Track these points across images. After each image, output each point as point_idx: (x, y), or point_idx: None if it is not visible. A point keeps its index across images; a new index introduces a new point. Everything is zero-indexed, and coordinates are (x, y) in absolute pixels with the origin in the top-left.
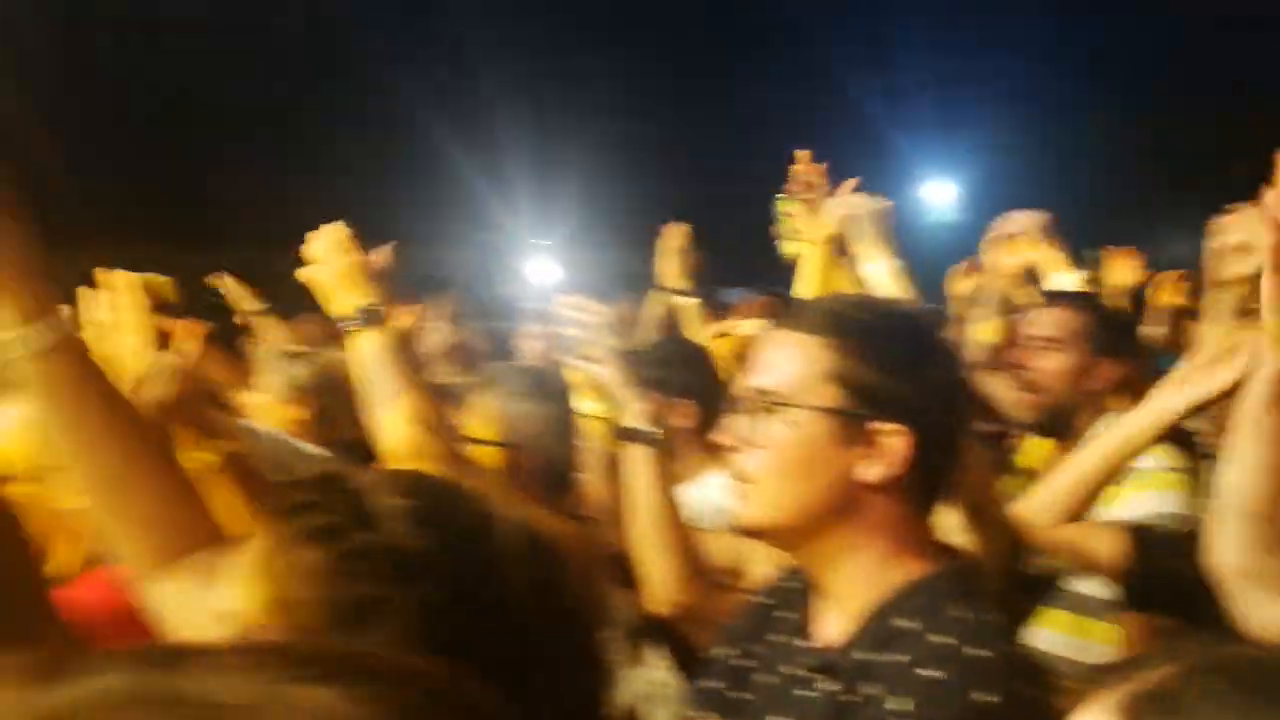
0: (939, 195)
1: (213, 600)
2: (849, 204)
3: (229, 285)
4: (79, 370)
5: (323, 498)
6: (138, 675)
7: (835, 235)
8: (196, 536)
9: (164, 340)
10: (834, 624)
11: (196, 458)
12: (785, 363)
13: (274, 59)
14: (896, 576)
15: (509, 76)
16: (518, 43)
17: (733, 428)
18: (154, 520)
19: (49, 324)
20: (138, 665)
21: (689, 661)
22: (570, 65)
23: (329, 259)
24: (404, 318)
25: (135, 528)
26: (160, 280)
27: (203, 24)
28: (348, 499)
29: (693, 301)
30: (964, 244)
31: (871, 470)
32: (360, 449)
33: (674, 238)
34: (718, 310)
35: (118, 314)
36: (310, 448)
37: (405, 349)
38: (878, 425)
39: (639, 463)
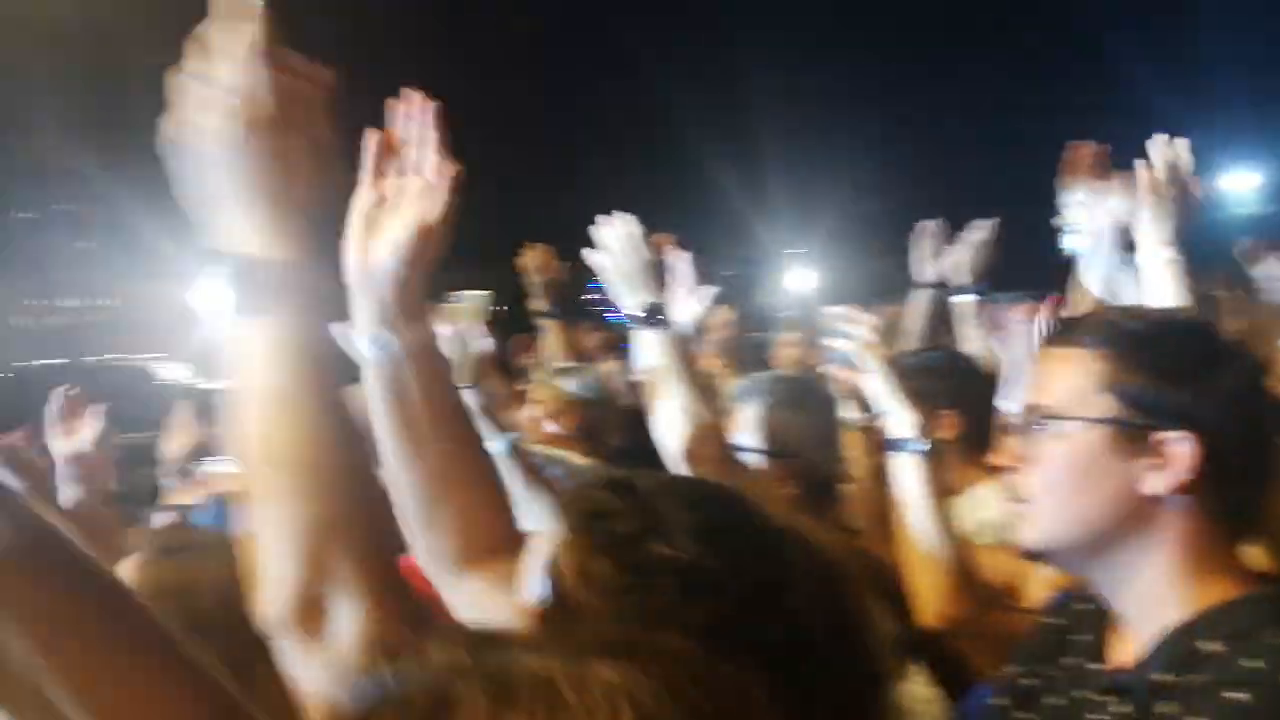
0: (1241, 185)
1: (508, 603)
2: (1160, 151)
3: (536, 276)
4: (430, 377)
5: (614, 507)
6: (460, 651)
7: (1119, 226)
8: (500, 542)
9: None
10: (1129, 646)
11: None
12: (1057, 378)
13: (541, 71)
14: (1200, 598)
15: (767, 85)
16: (779, 53)
17: (1009, 448)
18: (464, 524)
19: (417, 328)
20: (460, 643)
21: (954, 678)
22: (828, 71)
23: (620, 253)
24: (690, 313)
25: (449, 526)
26: (481, 295)
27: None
28: (639, 510)
29: (969, 299)
30: (1270, 239)
31: (1157, 481)
32: (628, 460)
33: (925, 234)
34: (990, 314)
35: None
36: (576, 458)
37: (687, 349)
38: (1159, 434)
39: (907, 474)
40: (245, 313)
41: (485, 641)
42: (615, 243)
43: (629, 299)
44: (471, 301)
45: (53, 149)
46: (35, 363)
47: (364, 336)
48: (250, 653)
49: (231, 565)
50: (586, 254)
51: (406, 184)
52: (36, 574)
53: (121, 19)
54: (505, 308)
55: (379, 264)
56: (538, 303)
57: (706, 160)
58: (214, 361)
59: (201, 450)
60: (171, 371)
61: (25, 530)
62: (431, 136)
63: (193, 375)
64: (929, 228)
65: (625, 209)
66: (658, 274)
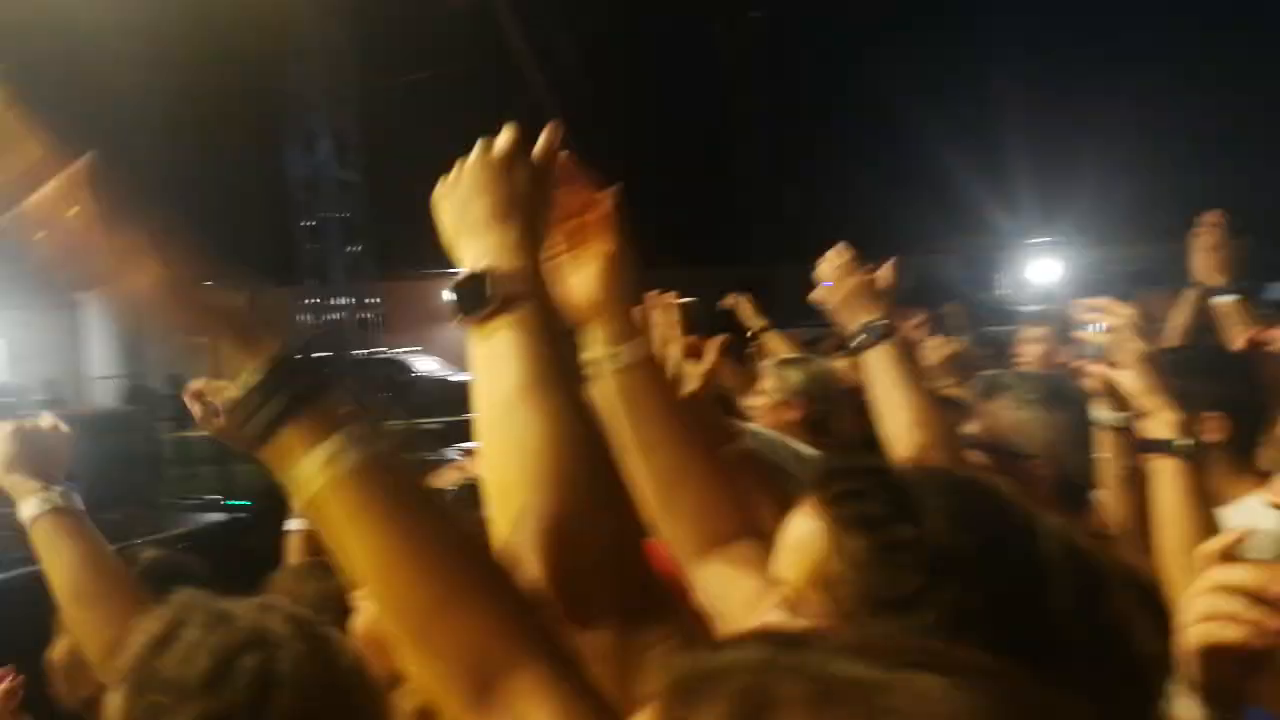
0: None
1: (749, 586)
2: None
3: (741, 305)
4: (654, 384)
5: (868, 488)
6: (773, 650)
7: None
8: (736, 527)
9: (692, 352)
10: None
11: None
12: None
13: (766, 56)
14: None
15: (1007, 60)
16: (1019, 23)
17: None
18: (701, 513)
19: (637, 343)
20: (771, 643)
21: (1222, 700)
22: (1075, 41)
23: (836, 280)
24: (908, 329)
25: (685, 519)
26: (689, 301)
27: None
28: (892, 491)
29: (1231, 299)
30: None
31: None
32: (853, 451)
33: (1212, 228)
34: (1263, 309)
35: (657, 329)
36: (804, 448)
37: (911, 361)
38: None
39: (1168, 479)
40: (489, 316)
41: (795, 642)
42: (832, 273)
43: (848, 319)
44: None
45: (328, 161)
46: (313, 356)
47: (593, 357)
48: None
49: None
50: (811, 297)
51: (580, 225)
52: (382, 489)
53: (385, 44)
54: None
55: (585, 296)
56: (752, 322)
57: (940, 144)
58: (462, 354)
59: (454, 437)
60: (425, 363)
61: (374, 448)
62: (574, 182)
63: (443, 367)
64: (1208, 219)
65: (854, 198)
66: (875, 293)
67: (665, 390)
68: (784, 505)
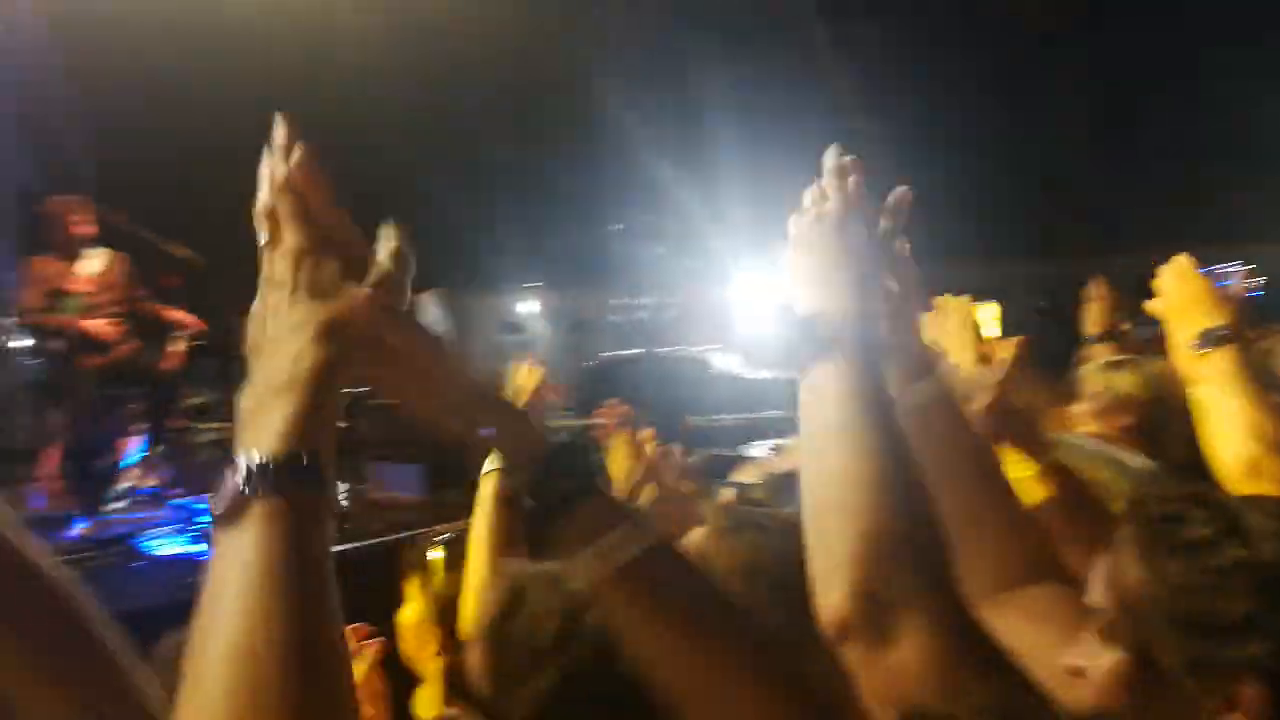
0: None
1: (1041, 633)
2: None
3: (1099, 295)
4: (947, 423)
5: (1191, 511)
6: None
7: None
8: (1034, 570)
9: (984, 359)
10: None
11: (1018, 470)
12: None
13: (1087, 54)
14: None
15: None
16: None
17: None
18: (997, 554)
19: (930, 382)
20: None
21: None
22: None
23: (1173, 289)
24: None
25: (981, 558)
26: (980, 305)
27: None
28: (1219, 514)
29: None
30: None
31: None
32: (1188, 463)
33: None
34: None
35: (947, 333)
36: (1131, 457)
37: (1254, 370)
38: None
39: None
40: (816, 359)
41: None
42: (1169, 282)
43: (1188, 328)
44: (980, 309)
45: (637, 168)
46: (619, 353)
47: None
48: (804, 636)
49: (792, 546)
50: (1147, 307)
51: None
52: (655, 582)
53: (691, 56)
54: (1047, 305)
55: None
56: (1090, 325)
57: (1257, 125)
58: (759, 352)
59: (756, 433)
60: (724, 361)
61: (649, 541)
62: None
63: (741, 364)
64: None
65: (1176, 195)
66: (1220, 299)
67: (957, 429)
68: (1097, 526)
